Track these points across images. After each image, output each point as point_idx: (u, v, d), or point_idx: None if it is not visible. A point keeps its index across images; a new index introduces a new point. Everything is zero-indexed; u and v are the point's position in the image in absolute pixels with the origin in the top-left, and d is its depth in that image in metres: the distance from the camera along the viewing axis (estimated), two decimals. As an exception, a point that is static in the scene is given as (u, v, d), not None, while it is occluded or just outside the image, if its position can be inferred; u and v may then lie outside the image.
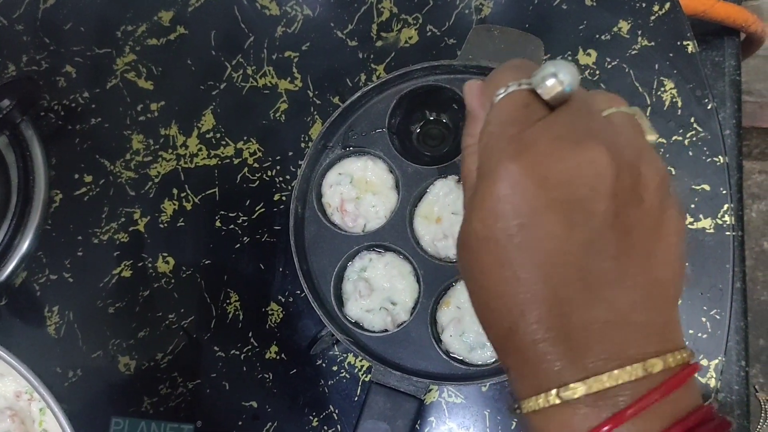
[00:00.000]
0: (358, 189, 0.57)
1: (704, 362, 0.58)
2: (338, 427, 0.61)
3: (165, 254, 0.66)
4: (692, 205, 0.60)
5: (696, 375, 0.29)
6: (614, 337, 0.28)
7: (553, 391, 0.27)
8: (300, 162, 0.56)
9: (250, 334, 0.63)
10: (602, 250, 0.28)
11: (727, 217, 0.60)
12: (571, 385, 0.27)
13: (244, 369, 0.63)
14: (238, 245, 0.65)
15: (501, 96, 0.31)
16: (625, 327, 0.28)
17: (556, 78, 0.29)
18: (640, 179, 0.28)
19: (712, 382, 0.58)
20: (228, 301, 0.64)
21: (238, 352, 0.63)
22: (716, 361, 0.58)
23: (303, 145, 0.66)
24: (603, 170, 0.27)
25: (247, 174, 0.67)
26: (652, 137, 0.31)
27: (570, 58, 0.64)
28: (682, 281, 0.30)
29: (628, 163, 0.28)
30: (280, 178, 0.66)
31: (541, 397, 0.28)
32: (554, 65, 0.29)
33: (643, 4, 0.64)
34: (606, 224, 0.27)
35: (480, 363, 0.54)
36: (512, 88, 0.31)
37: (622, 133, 0.30)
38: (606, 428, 0.27)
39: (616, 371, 0.27)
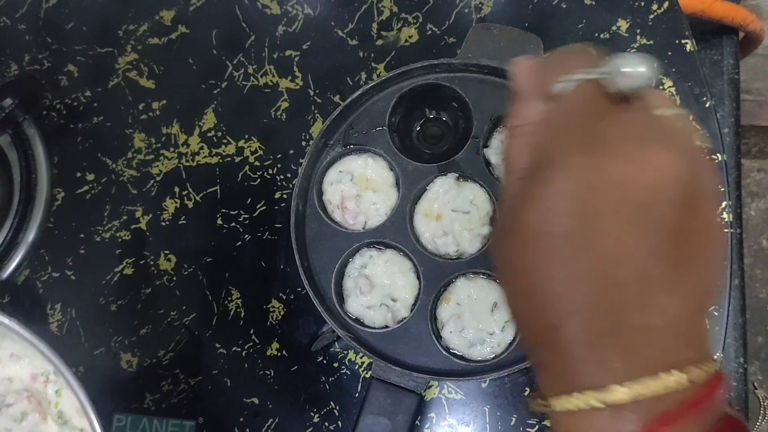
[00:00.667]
0: (358, 186, 0.58)
1: (702, 358, 0.59)
2: (339, 423, 0.62)
3: (167, 252, 0.66)
4: (690, 203, 0.61)
5: None
6: (660, 344, 0.27)
7: (593, 393, 0.27)
8: (301, 160, 0.57)
9: (252, 331, 0.64)
10: (662, 257, 0.27)
11: (725, 215, 0.60)
12: (614, 388, 0.26)
13: (246, 366, 0.63)
14: (240, 243, 0.66)
15: (566, 84, 0.30)
16: (671, 334, 0.28)
17: (635, 71, 0.28)
18: (701, 188, 0.28)
19: (711, 378, 0.58)
20: (229, 298, 0.65)
21: (239, 349, 0.64)
22: (714, 357, 0.59)
23: (304, 143, 0.67)
24: (674, 177, 0.27)
25: (248, 172, 0.67)
26: (703, 142, 0.31)
27: (569, 56, 0.64)
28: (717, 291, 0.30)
29: (693, 171, 0.27)
30: (281, 176, 0.66)
31: (577, 397, 0.27)
32: (632, 57, 0.28)
33: (642, 3, 0.64)
34: (669, 232, 0.27)
35: (480, 359, 0.54)
36: (580, 76, 0.29)
37: (686, 140, 0.29)
38: None
39: (660, 377, 0.26)
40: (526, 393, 0.60)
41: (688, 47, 0.63)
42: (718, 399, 0.28)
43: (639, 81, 0.28)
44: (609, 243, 0.27)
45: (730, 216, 0.61)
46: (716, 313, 0.59)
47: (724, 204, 0.61)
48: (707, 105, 0.62)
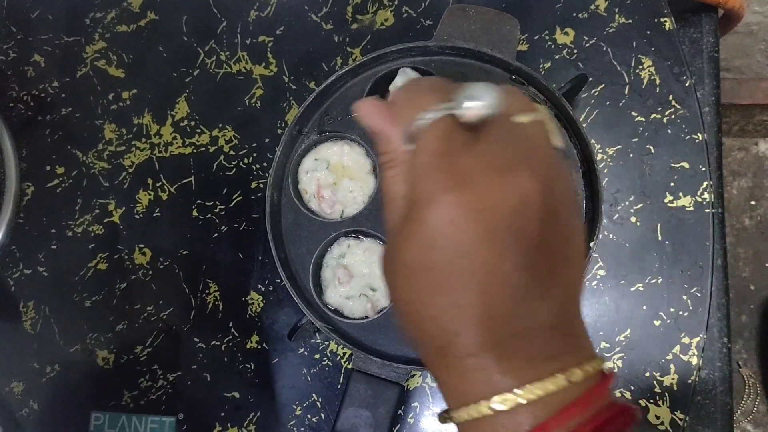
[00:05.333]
0: (334, 174, 0.57)
1: (686, 340, 0.58)
2: (322, 415, 0.61)
3: (141, 245, 0.65)
4: (672, 183, 0.60)
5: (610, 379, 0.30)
6: (539, 347, 0.30)
7: (483, 402, 0.29)
8: (277, 148, 0.56)
9: (231, 324, 0.63)
10: (530, 269, 0.29)
11: (706, 195, 0.60)
12: (502, 396, 0.29)
13: (225, 359, 0.62)
14: (216, 234, 0.64)
15: (424, 121, 0.31)
16: (547, 338, 0.30)
17: (478, 102, 0.29)
18: (557, 196, 0.30)
19: (695, 360, 0.58)
20: (207, 291, 0.63)
21: (218, 343, 0.62)
22: (698, 338, 0.58)
23: (279, 131, 0.65)
24: (533, 196, 0.29)
25: (223, 162, 0.65)
26: (558, 143, 0.33)
27: (547, 37, 0.63)
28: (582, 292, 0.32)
29: (548, 183, 0.30)
30: (257, 166, 0.65)
31: (471, 407, 0.29)
32: (475, 88, 0.29)
33: (620, -19, 0.63)
34: (534, 246, 0.29)
35: (462, 347, 0.54)
36: (434, 113, 0.31)
37: (539, 148, 0.31)
38: None
39: (540, 382, 0.29)
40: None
41: (667, 25, 0.62)
42: (603, 395, 0.30)
43: (483, 111, 0.30)
44: (483, 269, 0.29)
45: (712, 196, 0.60)
46: (699, 294, 0.59)
47: (705, 184, 0.60)
48: (687, 84, 0.62)
